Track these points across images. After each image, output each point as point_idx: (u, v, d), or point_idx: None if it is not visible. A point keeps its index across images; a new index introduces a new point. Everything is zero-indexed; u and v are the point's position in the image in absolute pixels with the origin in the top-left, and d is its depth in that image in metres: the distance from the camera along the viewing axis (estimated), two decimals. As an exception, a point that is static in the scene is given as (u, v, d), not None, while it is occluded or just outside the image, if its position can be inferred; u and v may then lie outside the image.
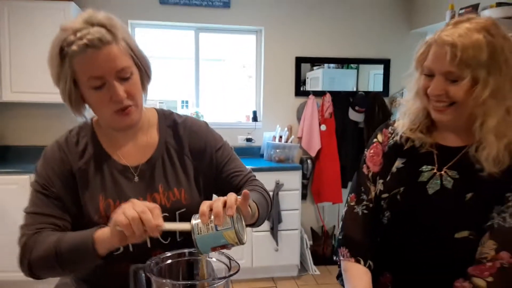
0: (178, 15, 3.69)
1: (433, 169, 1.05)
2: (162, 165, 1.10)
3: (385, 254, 1.10)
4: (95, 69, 0.94)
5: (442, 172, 1.04)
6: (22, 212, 3.01)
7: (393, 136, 1.15)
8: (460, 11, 2.84)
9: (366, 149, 1.20)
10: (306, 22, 3.90)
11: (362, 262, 1.07)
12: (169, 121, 1.16)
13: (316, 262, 3.58)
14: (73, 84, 0.98)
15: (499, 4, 2.54)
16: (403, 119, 1.12)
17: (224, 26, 3.84)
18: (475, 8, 2.74)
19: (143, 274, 0.80)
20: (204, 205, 0.81)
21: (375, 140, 1.19)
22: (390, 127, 1.18)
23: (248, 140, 3.88)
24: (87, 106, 1.06)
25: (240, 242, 0.80)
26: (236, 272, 0.76)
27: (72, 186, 1.04)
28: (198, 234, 0.78)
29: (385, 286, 1.10)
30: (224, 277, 0.75)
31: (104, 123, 1.10)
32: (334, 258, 1.15)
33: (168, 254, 0.82)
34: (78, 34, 0.92)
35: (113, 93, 0.96)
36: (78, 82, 0.98)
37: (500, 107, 0.94)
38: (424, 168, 1.06)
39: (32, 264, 0.95)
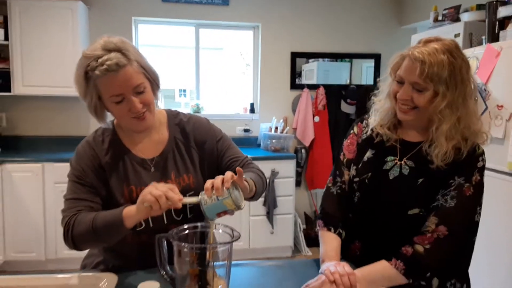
0: (179, 12, 3.87)
1: (395, 159, 1.27)
2: (173, 156, 1.33)
3: (356, 226, 1.33)
4: (115, 89, 1.16)
5: (402, 162, 1.26)
6: (36, 198, 3.31)
7: (366, 130, 1.37)
8: (444, 11, 3.04)
9: (344, 139, 1.43)
10: (302, 18, 4.09)
11: (332, 230, 1.31)
12: (176, 120, 1.38)
13: (309, 244, 3.84)
14: (98, 99, 1.20)
15: (478, 7, 2.74)
16: (375, 116, 1.34)
17: (223, 23, 4.03)
18: (456, 9, 2.94)
19: (165, 242, 1.03)
20: (208, 183, 1.03)
21: (351, 131, 1.41)
22: (364, 121, 1.40)
23: (246, 130, 4.08)
24: (108, 114, 1.27)
25: (238, 207, 1.02)
26: (237, 239, 0.98)
27: (103, 176, 1.27)
28: (205, 204, 1.01)
29: (354, 252, 1.33)
30: (228, 242, 0.98)
31: (124, 127, 1.32)
32: (315, 229, 1.39)
33: (186, 226, 1.04)
34: (99, 61, 1.13)
35: (132, 106, 1.18)
36: (102, 98, 1.20)
37: (453, 116, 1.15)
38: (388, 158, 1.28)
39: (74, 239, 1.18)
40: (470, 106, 1.17)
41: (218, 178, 1.02)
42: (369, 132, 1.35)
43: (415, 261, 1.13)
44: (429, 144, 1.21)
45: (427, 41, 1.17)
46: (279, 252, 3.69)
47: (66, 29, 3.42)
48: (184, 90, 8.60)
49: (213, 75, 5.08)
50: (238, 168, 1.06)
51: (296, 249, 3.85)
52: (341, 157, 1.40)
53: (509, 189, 2.01)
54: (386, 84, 1.28)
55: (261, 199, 3.56)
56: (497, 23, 2.34)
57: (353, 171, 1.34)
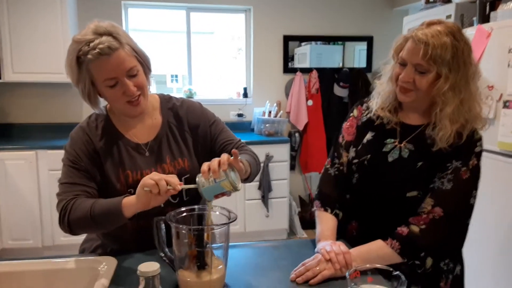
0: (170, -4, 3.82)
1: (395, 142, 1.28)
2: (167, 140, 1.34)
3: (353, 207, 1.36)
4: (109, 72, 1.16)
5: (402, 145, 1.27)
6: (31, 185, 3.31)
7: (366, 112, 1.38)
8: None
9: (344, 122, 1.44)
10: (294, 1, 4.05)
11: (329, 210, 1.33)
12: (169, 104, 1.39)
13: (304, 227, 3.90)
14: (91, 85, 1.20)
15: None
16: (377, 98, 1.34)
17: (214, 6, 3.98)
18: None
19: (163, 225, 1.05)
20: (204, 165, 1.04)
21: (351, 114, 1.43)
22: (364, 105, 1.41)
23: (240, 115, 4.09)
24: (101, 99, 1.27)
25: (235, 189, 1.03)
26: (234, 220, 1.00)
27: (97, 161, 1.27)
28: (202, 187, 1.02)
29: (351, 232, 1.36)
30: (225, 224, 1.00)
31: (118, 111, 1.32)
32: (312, 209, 1.42)
33: (183, 209, 1.06)
34: (91, 45, 1.12)
35: (126, 89, 1.18)
36: (95, 83, 1.20)
37: (456, 99, 1.16)
38: (388, 141, 1.29)
39: (71, 223, 1.19)
40: (472, 89, 1.18)
41: (215, 161, 1.03)
42: (369, 115, 1.36)
43: (410, 241, 1.16)
44: (432, 127, 1.21)
45: (430, 23, 1.17)
46: (274, 235, 3.74)
47: (55, 14, 3.37)
48: (176, 76, 8.52)
49: (205, 60, 5.04)
50: (234, 150, 1.07)
51: (291, 231, 3.91)
52: (340, 139, 1.41)
53: (499, 168, 2.05)
54: (389, 67, 1.29)
55: (256, 183, 3.59)
56: (488, 4, 2.34)
57: (352, 153, 1.36)
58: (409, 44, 1.18)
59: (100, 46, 1.12)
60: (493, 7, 2.30)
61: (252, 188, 3.59)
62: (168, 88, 8.37)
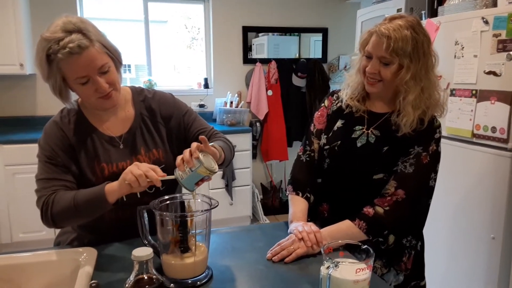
0: (126, -15, 3.75)
1: (363, 128, 1.38)
2: (141, 132, 1.36)
3: (324, 190, 1.46)
4: (80, 71, 1.16)
5: (369, 131, 1.37)
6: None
7: (337, 102, 1.48)
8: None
9: (316, 111, 1.53)
10: (251, -8, 4.09)
11: (300, 194, 1.43)
12: (141, 97, 1.41)
13: (266, 213, 4.03)
14: (62, 81, 1.20)
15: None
16: (347, 89, 1.45)
17: (172, -4, 3.95)
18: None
19: (146, 213, 1.09)
20: (178, 159, 1.08)
21: (322, 104, 1.52)
22: (335, 95, 1.51)
23: (201, 106, 4.10)
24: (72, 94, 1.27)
25: (212, 171, 1.07)
26: (215, 206, 1.06)
27: (73, 155, 1.28)
28: (182, 179, 1.06)
29: (323, 214, 1.46)
30: (206, 210, 1.06)
31: (90, 106, 1.32)
32: (286, 193, 1.50)
33: (166, 197, 1.10)
34: (61, 44, 1.11)
35: (98, 86, 1.19)
36: (66, 80, 1.20)
37: (417, 87, 1.27)
38: (356, 128, 1.39)
39: (54, 216, 1.19)
40: (431, 78, 1.29)
41: (186, 152, 1.07)
42: (339, 104, 1.46)
43: (375, 222, 1.27)
44: (397, 114, 1.32)
45: (392, 18, 1.27)
46: (238, 222, 3.82)
47: (6, 4, 3.21)
48: (129, 66, 8.22)
49: (160, 49, 4.95)
50: (201, 136, 1.09)
51: (255, 218, 4.02)
52: (311, 128, 1.51)
53: (448, 151, 2.24)
54: (356, 60, 1.39)
55: (220, 173, 3.65)
56: (435, -1, 2.52)
57: (323, 140, 1.46)
58: (373, 38, 1.28)
59: (70, 45, 1.11)
60: (441, 2, 2.48)
61: (216, 178, 3.65)
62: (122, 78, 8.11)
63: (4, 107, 3.62)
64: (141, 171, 1.08)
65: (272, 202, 4.23)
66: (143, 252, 0.84)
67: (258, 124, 4.18)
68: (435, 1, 2.52)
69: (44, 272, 1.17)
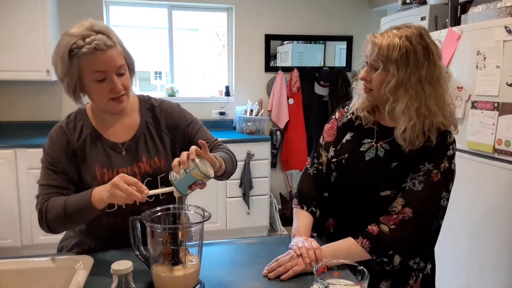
0: (151, -6, 3.81)
1: (372, 142, 1.33)
2: (144, 140, 1.37)
3: (331, 205, 1.40)
4: (100, 66, 1.19)
5: (378, 145, 1.32)
6: (10, 184, 3.28)
7: (347, 114, 1.43)
8: (412, -5, 3.10)
9: (326, 124, 1.49)
10: (275, 0, 4.09)
11: (305, 208, 1.38)
12: (148, 105, 1.41)
13: (284, 224, 3.96)
14: (78, 79, 1.22)
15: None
16: (357, 99, 1.40)
17: (196, 4, 3.99)
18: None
19: (139, 223, 1.07)
20: (175, 160, 1.07)
21: (333, 116, 1.49)
22: (346, 107, 1.46)
23: (221, 113, 4.11)
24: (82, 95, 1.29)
25: (207, 176, 1.05)
26: (208, 219, 1.03)
27: (75, 161, 1.30)
28: (175, 181, 1.05)
29: (328, 229, 1.40)
30: (199, 222, 1.03)
31: (99, 108, 1.34)
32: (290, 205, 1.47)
33: (158, 208, 1.07)
34: (87, 40, 1.16)
35: (113, 85, 1.22)
36: (82, 77, 1.22)
37: (406, 96, 1.21)
38: (365, 140, 1.34)
39: (49, 224, 1.23)
40: (427, 90, 1.21)
41: (183, 154, 1.07)
42: (349, 116, 1.41)
43: (380, 241, 1.20)
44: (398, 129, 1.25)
45: (394, 28, 1.24)
46: (255, 232, 3.78)
47: (35, 12, 3.33)
48: (160, 72, 8.46)
49: (189, 57, 5.00)
50: (200, 141, 1.10)
51: (272, 228, 3.96)
52: (321, 140, 1.47)
53: (468, 167, 2.13)
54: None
55: (237, 181, 3.63)
56: (459, 7, 2.42)
57: (331, 152, 1.41)
58: (368, 46, 1.26)
59: (96, 42, 1.15)
60: (464, 10, 2.38)
61: (233, 186, 3.63)
62: (152, 85, 8.31)
63: (30, 112, 3.76)
64: (125, 195, 1.08)
65: (291, 213, 4.14)
66: (122, 265, 0.82)
67: (278, 132, 4.14)
68: (459, 9, 2.42)
69: (40, 279, 1.17)
